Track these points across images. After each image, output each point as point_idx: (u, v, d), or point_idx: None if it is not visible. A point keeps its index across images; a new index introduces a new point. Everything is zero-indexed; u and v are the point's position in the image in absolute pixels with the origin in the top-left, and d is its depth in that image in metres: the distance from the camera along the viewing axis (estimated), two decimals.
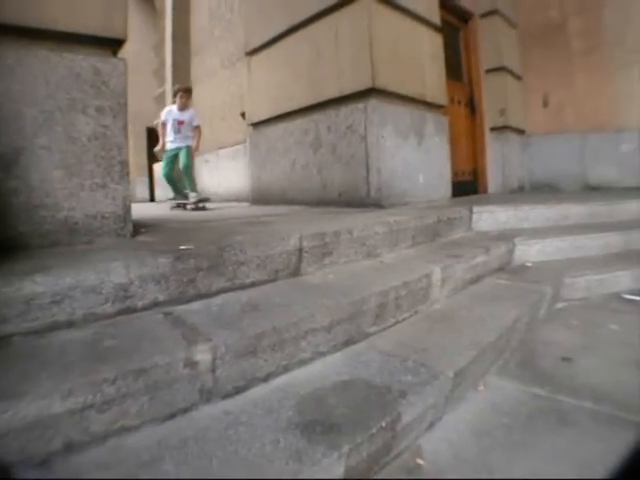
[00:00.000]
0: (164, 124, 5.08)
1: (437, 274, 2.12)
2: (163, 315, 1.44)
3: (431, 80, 3.96)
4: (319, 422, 1.11)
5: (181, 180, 5.06)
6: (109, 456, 0.98)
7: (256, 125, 4.62)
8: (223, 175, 6.13)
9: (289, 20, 4.08)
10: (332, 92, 3.64)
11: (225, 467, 0.94)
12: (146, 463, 0.95)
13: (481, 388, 1.60)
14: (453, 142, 4.57)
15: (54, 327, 1.28)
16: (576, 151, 5.86)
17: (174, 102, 5.17)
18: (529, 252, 2.95)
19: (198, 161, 6.86)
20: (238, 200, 5.35)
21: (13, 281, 1.23)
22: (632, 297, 2.67)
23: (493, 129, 5.83)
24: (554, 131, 6.07)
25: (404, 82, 3.59)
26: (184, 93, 5.03)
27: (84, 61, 1.79)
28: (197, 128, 5.05)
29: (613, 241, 3.23)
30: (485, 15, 5.83)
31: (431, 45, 4.03)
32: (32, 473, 0.90)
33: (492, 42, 5.82)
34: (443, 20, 4.75)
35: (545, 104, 6.15)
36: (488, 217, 3.21)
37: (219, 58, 6.32)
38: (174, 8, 7.31)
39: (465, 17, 5.74)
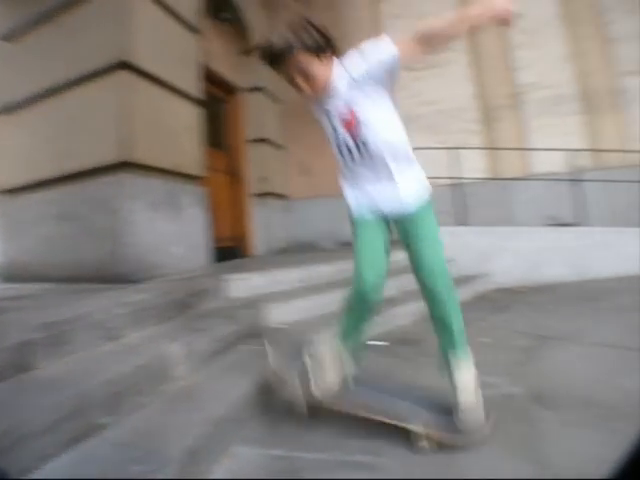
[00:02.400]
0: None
1: (181, 351, 2.14)
2: None
3: (189, 152, 4.09)
4: None
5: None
6: None
7: (6, 193, 4.17)
8: None
9: (41, 82, 3.85)
10: (85, 164, 3.49)
11: None
12: None
13: (225, 460, 1.62)
14: (215, 209, 4.79)
15: None
16: (331, 213, 6.70)
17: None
18: (279, 314, 3.11)
19: None
20: None
21: None
22: (372, 342, 3.01)
23: (256, 195, 6.23)
24: (313, 196, 6.86)
25: (160, 154, 3.64)
26: (298, 53, 1.56)
27: None
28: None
29: None
30: (250, 90, 6.32)
31: (190, 118, 4.19)
32: None
33: (256, 115, 6.32)
34: (208, 93, 5.01)
35: (304, 172, 6.90)
36: (241, 284, 3.33)
37: None
38: None
39: (231, 90, 6.13)
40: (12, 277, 4.02)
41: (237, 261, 5.23)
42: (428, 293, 1.70)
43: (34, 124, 3.94)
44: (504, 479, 1.29)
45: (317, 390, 1.73)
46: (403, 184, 1.69)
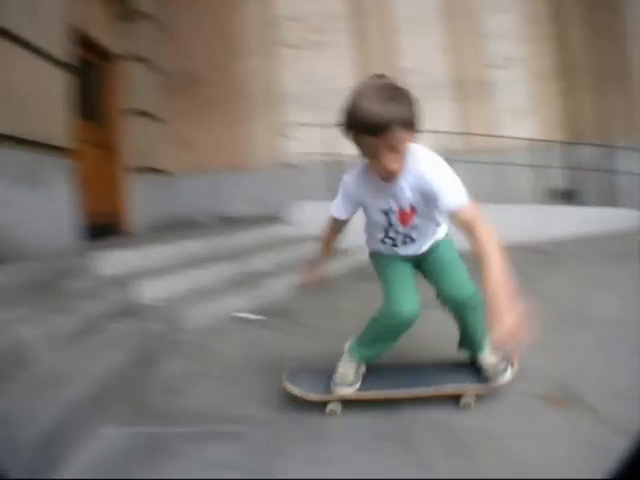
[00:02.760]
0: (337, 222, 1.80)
1: (41, 333, 2.03)
2: None
3: (55, 121, 3.79)
4: None
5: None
6: None
7: None
8: None
9: None
10: None
11: None
12: None
13: (88, 442, 1.58)
14: (88, 184, 4.53)
15: None
16: (216, 189, 6.67)
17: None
18: (151, 291, 3.02)
19: None
20: None
21: None
22: (241, 315, 3.09)
23: (135, 170, 5.94)
24: (196, 172, 6.73)
25: (18, 123, 3.32)
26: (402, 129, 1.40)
27: None
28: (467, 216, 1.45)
29: (229, 269, 3.64)
30: (129, 59, 5.96)
31: (57, 84, 3.87)
32: None
33: (135, 86, 5.99)
34: (82, 59, 4.69)
35: (186, 147, 6.72)
36: (111, 262, 3.09)
37: None
38: None
39: (108, 58, 5.71)
40: None
41: (111, 239, 4.95)
42: (457, 308, 1.71)
43: None
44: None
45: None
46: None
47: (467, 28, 6.96)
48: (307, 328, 2.79)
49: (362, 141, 1.43)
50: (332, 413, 1.70)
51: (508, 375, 1.72)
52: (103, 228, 4.97)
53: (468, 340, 1.80)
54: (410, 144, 1.45)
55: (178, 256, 3.61)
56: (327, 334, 2.56)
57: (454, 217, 1.44)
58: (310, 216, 5.25)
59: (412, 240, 1.67)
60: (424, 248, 1.72)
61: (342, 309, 3.14)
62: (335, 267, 4.32)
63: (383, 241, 1.71)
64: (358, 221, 1.76)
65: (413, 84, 5.48)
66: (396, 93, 1.39)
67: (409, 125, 1.39)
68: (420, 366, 1.92)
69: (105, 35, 5.52)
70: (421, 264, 1.77)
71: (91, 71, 5.33)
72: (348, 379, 1.70)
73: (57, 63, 3.88)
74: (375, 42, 6.92)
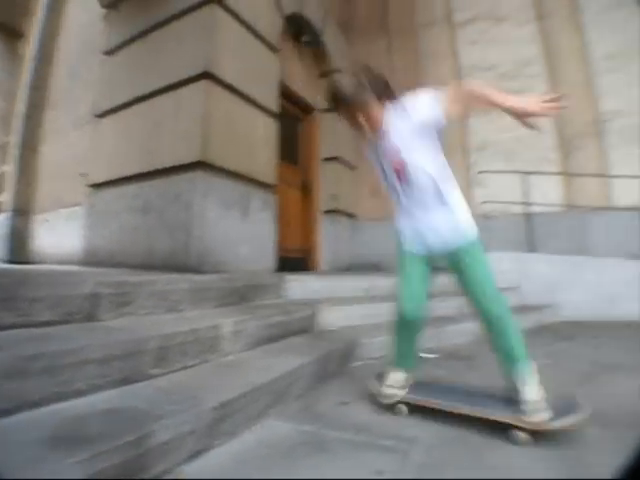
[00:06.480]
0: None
1: (228, 326, 2.28)
2: None
3: (262, 160, 4.30)
4: (71, 437, 1.20)
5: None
6: None
7: (94, 187, 4.53)
8: (60, 236, 5.71)
9: (134, 91, 4.25)
10: (166, 162, 3.78)
11: None
12: None
13: (256, 427, 1.75)
14: (285, 220, 4.99)
15: None
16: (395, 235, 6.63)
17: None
18: (333, 317, 3.19)
19: (37, 220, 6.41)
20: (72, 263, 5.00)
21: None
22: (422, 355, 3.01)
23: (326, 212, 6.36)
24: (380, 217, 6.82)
25: (234, 159, 3.86)
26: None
27: None
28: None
29: None
30: (325, 110, 6.48)
31: (265, 129, 4.42)
32: None
33: (330, 134, 6.50)
34: (286, 110, 5.30)
35: (373, 193, 6.91)
36: (299, 286, 3.41)
37: (72, 117, 6.14)
38: (36, 57, 6.95)
39: (307, 110, 6.37)
40: (91, 263, 4.37)
41: (304, 272, 5.30)
42: (483, 312, 1.83)
43: (125, 127, 4.34)
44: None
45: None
46: (460, 215, 1.90)
47: None
48: (478, 371, 2.64)
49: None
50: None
51: (545, 415, 1.64)
52: (292, 262, 5.37)
53: (504, 353, 1.82)
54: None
55: (362, 290, 3.75)
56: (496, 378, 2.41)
57: (449, 113, 1.73)
58: (506, 268, 5.02)
59: (415, 195, 1.92)
60: (446, 223, 1.89)
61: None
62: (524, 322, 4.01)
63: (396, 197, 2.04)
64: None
65: (619, 128, 4.83)
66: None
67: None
68: (474, 391, 2.02)
69: (305, 90, 6.19)
70: (451, 263, 1.91)
71: (293, 120, 6.02)
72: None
73: (267, 112, 4.48)
74: (572, 84, 6.38)
